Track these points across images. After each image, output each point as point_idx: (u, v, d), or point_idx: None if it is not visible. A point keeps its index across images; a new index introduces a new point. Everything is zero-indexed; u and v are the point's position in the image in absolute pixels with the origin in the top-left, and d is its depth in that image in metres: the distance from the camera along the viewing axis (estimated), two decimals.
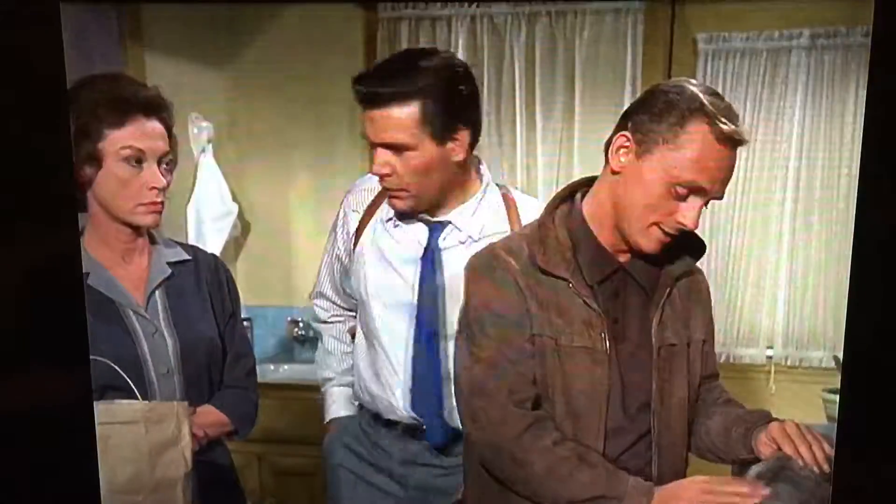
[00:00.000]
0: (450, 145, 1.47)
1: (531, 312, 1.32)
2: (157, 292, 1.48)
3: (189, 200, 2.62)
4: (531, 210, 1.51)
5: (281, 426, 2.56)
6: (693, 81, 1.26)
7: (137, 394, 1.37)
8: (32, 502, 1.14)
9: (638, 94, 2.38)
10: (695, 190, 1.24)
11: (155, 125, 1.43)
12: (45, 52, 1.07)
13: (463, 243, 1.54)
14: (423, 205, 1.53)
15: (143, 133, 1.41)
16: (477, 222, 1.54)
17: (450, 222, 1.55)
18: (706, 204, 1.26)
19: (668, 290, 1.35)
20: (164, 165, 1.44)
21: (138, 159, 1.41)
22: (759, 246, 2.78)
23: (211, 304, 1.53)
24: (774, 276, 2.79)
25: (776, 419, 1.32)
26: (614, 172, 1.29)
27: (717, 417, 1.39)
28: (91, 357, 1.35)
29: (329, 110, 2.63)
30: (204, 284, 1.54)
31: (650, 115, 1.26)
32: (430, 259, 1.55)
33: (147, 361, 1.43)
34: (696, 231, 1.32)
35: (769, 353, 2.85)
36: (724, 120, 1.21)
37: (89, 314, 1.41)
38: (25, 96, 1.08)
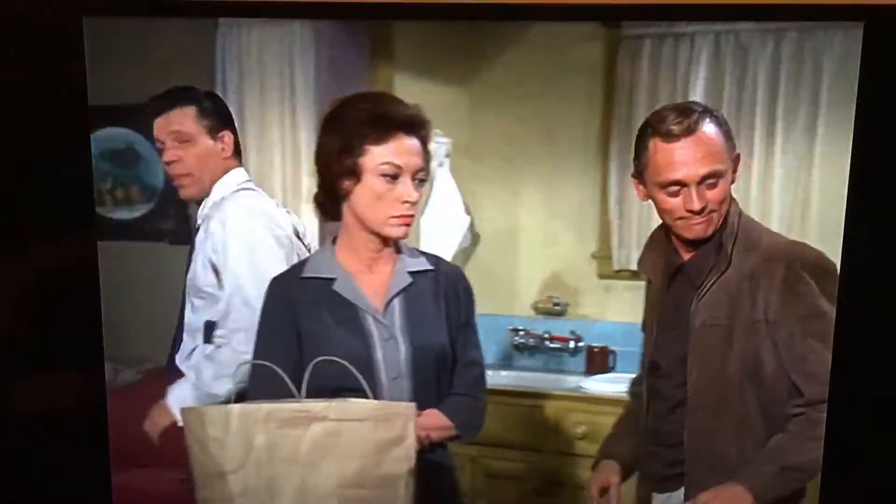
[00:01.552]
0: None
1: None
2: (396, 300, 1.56)
3: (424, 211, 2.74)
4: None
5: (496, 430, 2.59)
6: (658, 110, 1.59)
7: (369, 393, 1.47)
8: (48, 499, 1.23)
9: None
10: (679, 183, 1.54)
11: (413, 142, 1.51)
12: (68, 64, 1.17)
13: None
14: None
15: (402, 150, 1.50)
16: None
17: None
18: (707, 180, 1.54)
19: (715, 278, 1.58)
20: (417, 180, 1.52)
21: (395, 175, 1.50)
22: None
23: (447, 314, 1.59)
24: None
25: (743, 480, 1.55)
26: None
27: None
28: (328, 357, 1.47)
29: (563, 128, 2.65)
30: (442, 294, 1.60)
31: (636, 159, 1.61)
32: None
33: (379, 365, 1.53)
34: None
35: None
36: (666, 125, 1.53)
37: (332, 318, 1.55)
38: (50, 105, 1.17)
